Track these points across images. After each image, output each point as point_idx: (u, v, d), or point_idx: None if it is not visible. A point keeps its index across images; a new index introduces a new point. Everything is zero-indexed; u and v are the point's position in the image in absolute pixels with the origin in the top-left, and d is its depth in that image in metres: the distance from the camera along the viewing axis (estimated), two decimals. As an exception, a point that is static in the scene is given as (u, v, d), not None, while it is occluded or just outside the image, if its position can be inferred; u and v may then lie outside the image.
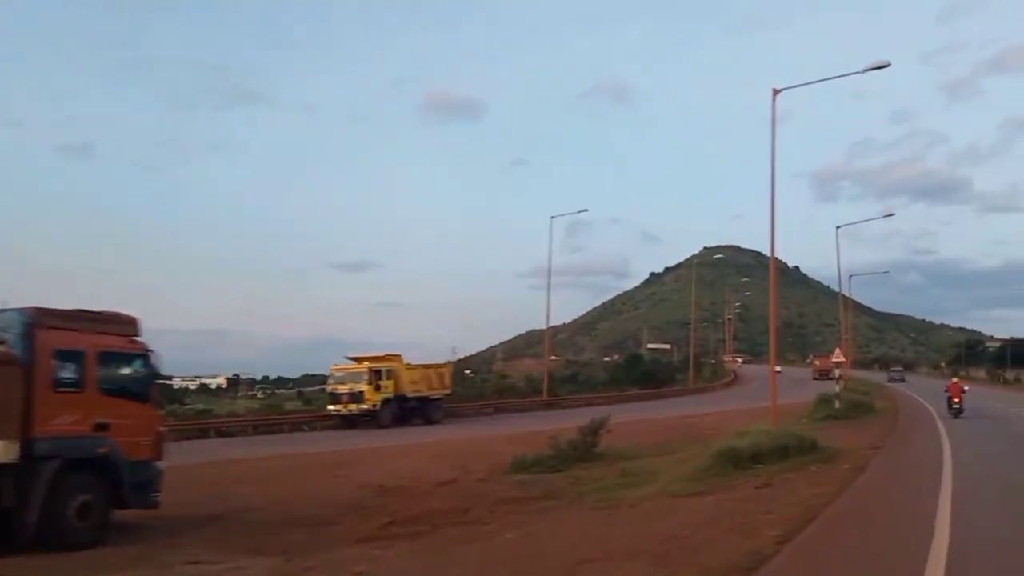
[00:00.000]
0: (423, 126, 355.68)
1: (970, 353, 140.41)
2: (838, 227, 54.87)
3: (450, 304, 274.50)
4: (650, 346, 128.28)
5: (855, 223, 76.56)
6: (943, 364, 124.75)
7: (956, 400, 36.64)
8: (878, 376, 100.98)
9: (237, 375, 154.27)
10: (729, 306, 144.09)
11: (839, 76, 32.84)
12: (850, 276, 76.98)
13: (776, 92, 29.55)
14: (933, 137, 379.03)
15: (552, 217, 63.71)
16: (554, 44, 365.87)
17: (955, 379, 41.45)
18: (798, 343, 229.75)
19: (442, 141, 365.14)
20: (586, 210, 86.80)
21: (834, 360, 45.40)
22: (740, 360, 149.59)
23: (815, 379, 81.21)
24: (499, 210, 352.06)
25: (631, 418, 36.23)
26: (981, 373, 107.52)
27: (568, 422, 26.23)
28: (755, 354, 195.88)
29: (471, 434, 36.11)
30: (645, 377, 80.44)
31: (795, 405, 38.88)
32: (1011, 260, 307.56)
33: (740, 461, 17.37)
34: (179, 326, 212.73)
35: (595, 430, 21.68)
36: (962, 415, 36.02)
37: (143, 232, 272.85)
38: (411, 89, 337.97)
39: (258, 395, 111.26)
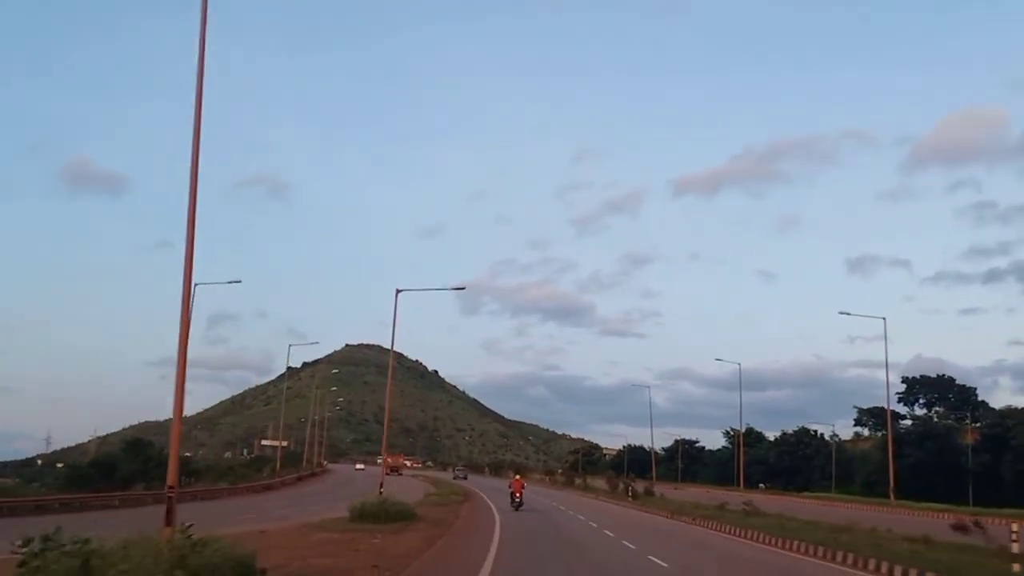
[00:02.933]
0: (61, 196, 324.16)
1: (588, 460, 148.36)
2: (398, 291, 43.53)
3: (76, 390, 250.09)
4: (265, 442, 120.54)
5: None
6: (559, 471, 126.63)
7: (518, 495, 44.09)
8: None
9: None
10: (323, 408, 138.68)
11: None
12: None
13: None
14: (565, 264, 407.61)
15: (195, 284, 53.12)
16: (216, 129, 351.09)
17: (517, 476, 49.58)
18: (431, 444, 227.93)
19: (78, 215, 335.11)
20: (239, 281, 77.72)
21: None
22: (361, 466, 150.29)
23: (386, 474, 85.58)
24: (138, 292, 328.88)
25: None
26: (601, 482, 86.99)
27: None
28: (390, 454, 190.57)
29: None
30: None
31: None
32: (624, 379, 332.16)
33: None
34: None
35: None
36: (521, 508, 43.31)
37: None
38: (44, 156, 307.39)
39: None
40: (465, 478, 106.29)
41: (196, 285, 53.70)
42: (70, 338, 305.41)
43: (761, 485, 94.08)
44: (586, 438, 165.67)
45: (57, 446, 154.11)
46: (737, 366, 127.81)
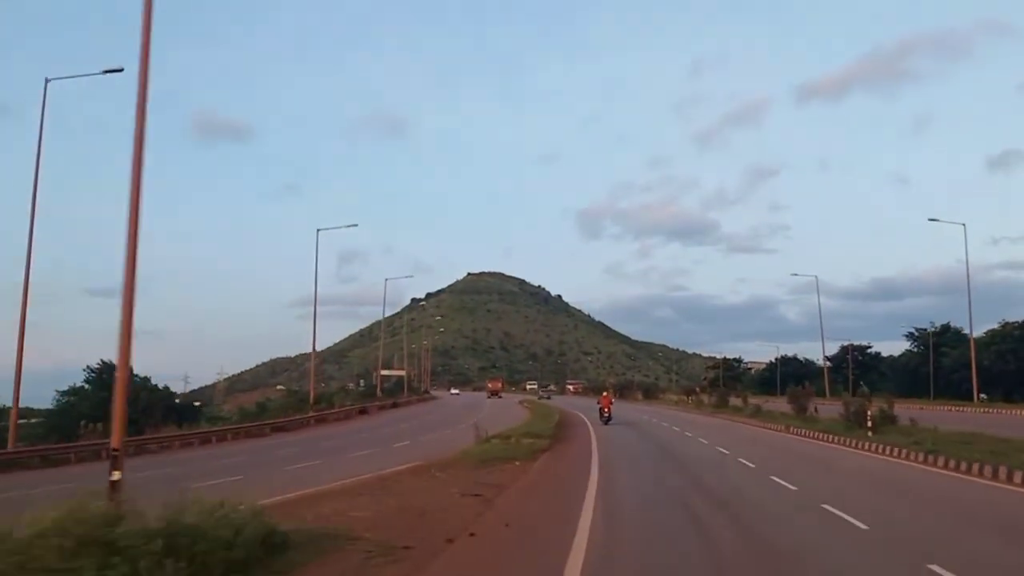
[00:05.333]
0: (190, 147, 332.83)
1: (729, 376, 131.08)
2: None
3: (211, 332, 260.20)
4: (384, 372, 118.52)
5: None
6: (697, 390, 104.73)
7: (606, 410, 45.79)
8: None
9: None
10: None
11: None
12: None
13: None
14: (687, 182, 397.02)
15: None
16: (331, 70, 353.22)
17: (605, 393, 52.08)
18: (557, 369, 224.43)
19: (209, 163, 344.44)
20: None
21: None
22: (456, 391, 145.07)
23: (488, 398, 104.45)
24: (270, 236, 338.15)
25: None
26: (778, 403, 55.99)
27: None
28: (514, 382, 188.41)
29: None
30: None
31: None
32: (753, 296, 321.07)
33: None
34: None
35: None
36: (610, 421, 44.67)
37: None
38: (177, 108, 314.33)
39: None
40: (549, 398, 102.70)
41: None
42: (206, 281, 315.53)
43: (983, 396, 69.04)
44: (718, 356, 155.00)
45: (195, 385, 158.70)
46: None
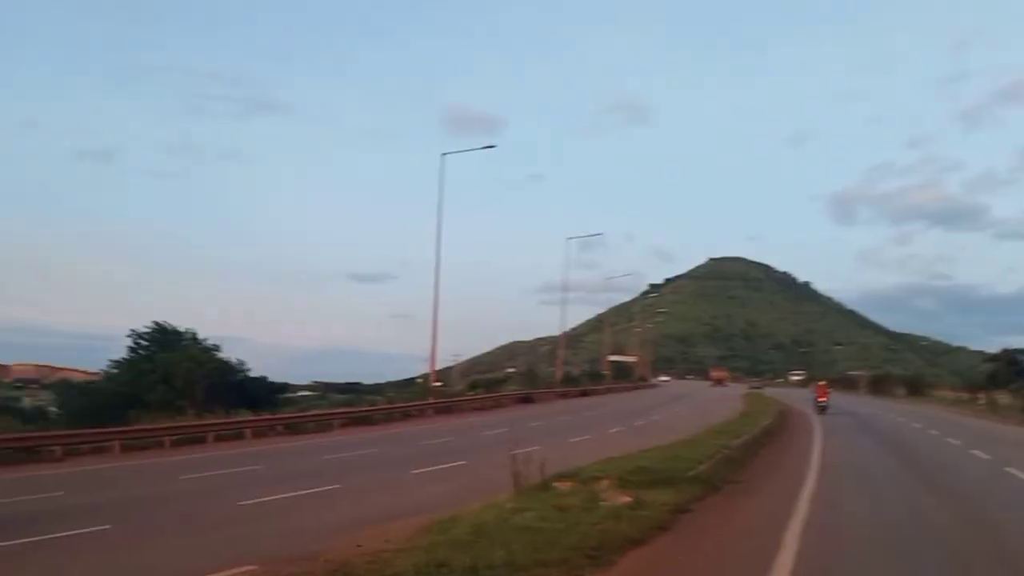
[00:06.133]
0: (441, 139, 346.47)
1: (1018, 371, 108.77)
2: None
3: (456, 317, 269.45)
4: (613, 358, 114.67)
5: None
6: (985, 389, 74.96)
7: (821, 399, 46.72)
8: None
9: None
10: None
11: None
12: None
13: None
14: (950, 163, 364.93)
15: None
16: (573, 61, 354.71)
17: (822, 384, 51.11)
18: (804, 360, 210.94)
19: (460, 155, 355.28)
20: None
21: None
22: (666, 378, 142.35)
23: (711, 387, 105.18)
24: (514, 225, 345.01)
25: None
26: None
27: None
28: (756, 372, 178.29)
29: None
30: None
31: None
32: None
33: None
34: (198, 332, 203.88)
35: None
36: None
37: (158, 237, 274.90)
38: (430, 103, 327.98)
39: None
40: (762, 389, 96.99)
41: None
42: (454, 268, 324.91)
43: None
44: (987, 351, 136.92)
45: (437, 367, 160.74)
46: None
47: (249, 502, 15.24)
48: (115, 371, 46.05)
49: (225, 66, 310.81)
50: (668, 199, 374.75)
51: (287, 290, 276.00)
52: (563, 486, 13.32)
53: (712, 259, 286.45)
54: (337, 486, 17.25)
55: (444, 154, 44.97)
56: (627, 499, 12.18)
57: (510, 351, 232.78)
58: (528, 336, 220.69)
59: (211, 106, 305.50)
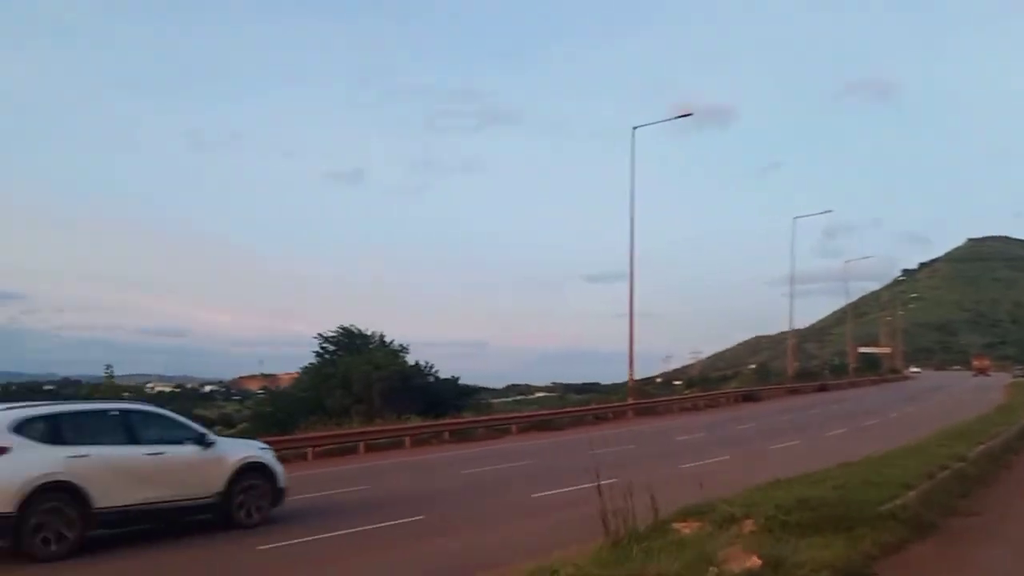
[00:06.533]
0: (669, 135, 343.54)
1: None
2: None
3: (694, 313, 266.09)
4: (863, 349, 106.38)
5: None
6: None
7: None
8: None
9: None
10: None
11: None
12: None
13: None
14: None
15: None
16: (807, 42, 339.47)
17: None
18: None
19: (689, 149, 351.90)
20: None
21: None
22: (916, 369, 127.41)
23: (973, 377, 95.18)
24: (752, 216, 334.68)
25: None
26: None
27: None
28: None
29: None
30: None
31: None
32: None
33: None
34: (441, 338, 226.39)
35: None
36: None
37: (405, 251, 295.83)
38: (655, 100, 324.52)
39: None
40: None
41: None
42: (691, 263, 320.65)
43: None
44: None
45: (677, 364, 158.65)
46: None
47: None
48: (304, 376, 45.98)
49: (460, 81, 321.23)
50: (918, 180, 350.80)
51: (526, 295, 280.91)
52: (683, 529, 9.04)
53: (971, 240, 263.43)
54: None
55: (635, 127, 42.30)
56: (756, 562, 7.57)
57: (753, 346, 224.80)
58: (773, 330, 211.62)
59: (448, 122, 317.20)
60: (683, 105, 46.14)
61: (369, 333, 44.23)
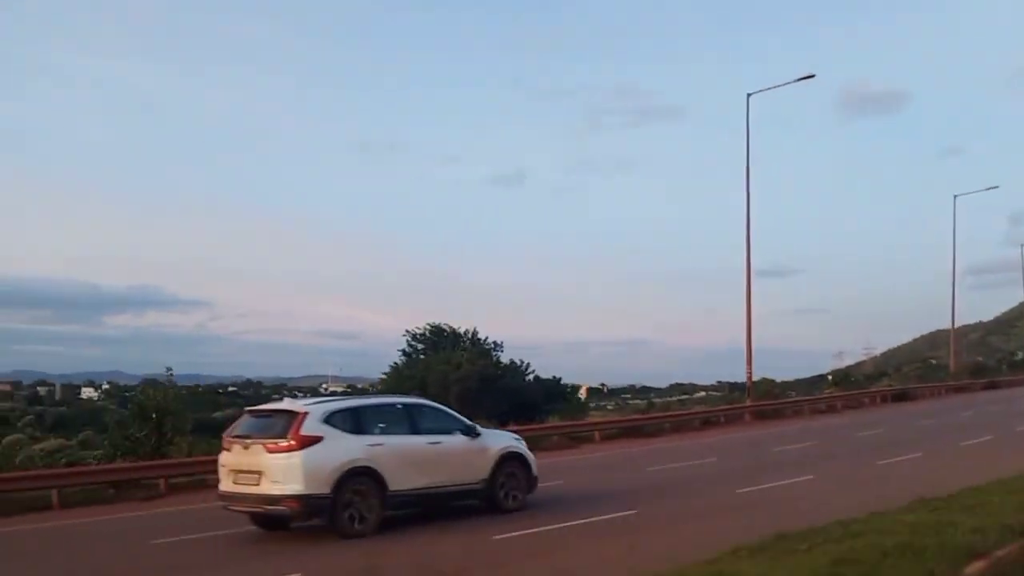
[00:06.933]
0: (836, 124, 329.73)
1: None
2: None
3: (867, 308, 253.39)
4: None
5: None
6: None
7: None
8: None
9: (603, 384, 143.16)
10: None
11: None
12: None
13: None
14: None
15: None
16: (982, 21, 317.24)
17: None
18: None
19: (858, 138, 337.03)
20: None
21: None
22: None
23: None
24: (930, 204, 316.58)
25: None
26: None
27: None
28: None
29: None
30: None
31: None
32: None
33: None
34: (603, 338, 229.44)
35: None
36: None
37: (564, 250, 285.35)
38: (821, 86, 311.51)
39: (608, 406, 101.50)
40: None
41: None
42: (867, 256, 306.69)
43: None
44: None
45: (849, 361, 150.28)
46: None
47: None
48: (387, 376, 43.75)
49: (617, 78, 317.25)
50: None
51: (691, 292, 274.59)
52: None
53: None
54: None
55: (749, 94, 39.22)
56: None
57: (932, 340, 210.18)
58: (956, 323, 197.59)
59: (606, 119, 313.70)
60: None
61: (461, 331, 41.78)
